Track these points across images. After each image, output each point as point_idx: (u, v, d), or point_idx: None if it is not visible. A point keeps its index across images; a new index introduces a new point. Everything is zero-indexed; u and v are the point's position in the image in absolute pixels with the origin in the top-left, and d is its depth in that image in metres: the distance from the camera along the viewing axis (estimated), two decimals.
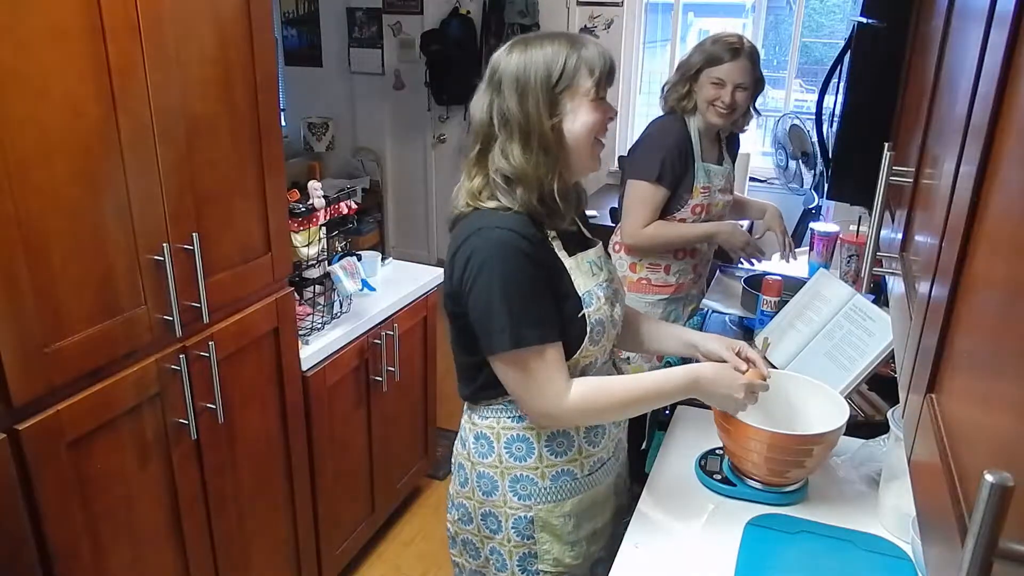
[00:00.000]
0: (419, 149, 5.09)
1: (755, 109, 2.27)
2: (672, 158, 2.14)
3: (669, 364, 1.89)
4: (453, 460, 1.46)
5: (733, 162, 2.38)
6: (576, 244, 1.34)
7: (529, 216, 1.25)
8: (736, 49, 2.09)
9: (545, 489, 1.35)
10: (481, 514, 1.39)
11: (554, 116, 1.23)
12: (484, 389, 1.34)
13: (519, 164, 1.23)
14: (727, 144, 2.35)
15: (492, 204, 1.25)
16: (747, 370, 1.37)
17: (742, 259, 2.31)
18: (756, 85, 2.18)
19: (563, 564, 1.38)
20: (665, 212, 2.21)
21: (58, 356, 1.34)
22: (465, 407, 1.42)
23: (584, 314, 1.28)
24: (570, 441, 1.35)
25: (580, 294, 1.28)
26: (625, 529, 1.38)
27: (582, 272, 1.30)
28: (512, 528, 1.36)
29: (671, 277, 2.29)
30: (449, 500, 1.47)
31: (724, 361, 1.39)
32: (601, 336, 1.33)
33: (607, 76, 1.25)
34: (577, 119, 1.24)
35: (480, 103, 1.27)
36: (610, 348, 1.41)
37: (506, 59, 1.24)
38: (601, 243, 1.43)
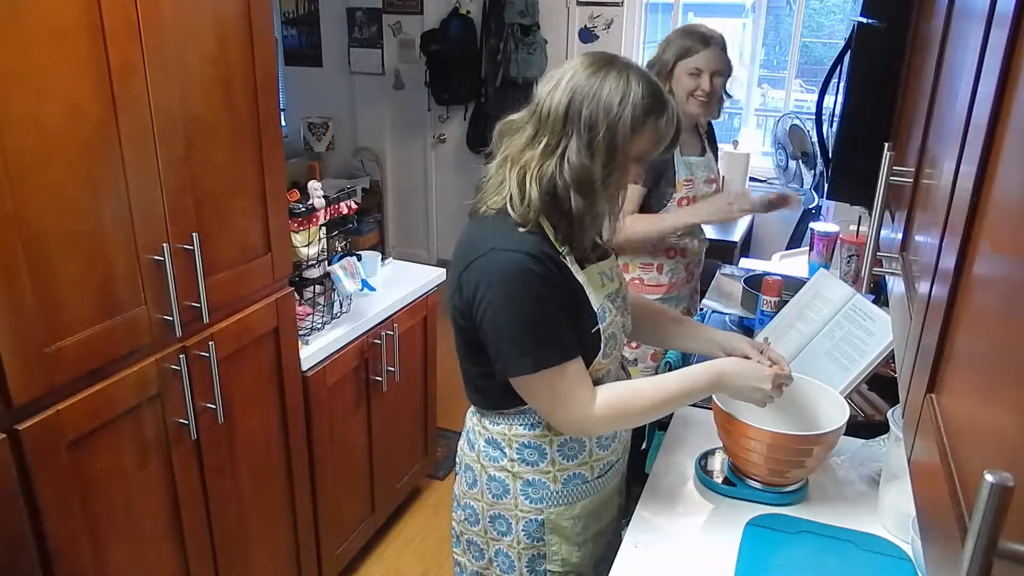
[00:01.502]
0: (419, 149, 5.09)
1: (727, 93, 2.26)
2: None
3: (668, 363, 1.89)
4: (458, 460, 1.45)
5: (715, 153, 2.39)
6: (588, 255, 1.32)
7: (542, 233, 1.22)
8: (707, 37, 2.10)
9: (556, 492, 1.34)
10: (490, 516, 1.39)
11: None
12: (494, 399, 1.33)
13: (596, 170, 1.19)
14: (708, 136, 2.35)
15: (517, 210, 1.21)
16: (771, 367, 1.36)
17: (769, 208, 2.18)
18: (727, 71, 2.19)
19: (570, 564, 1.38)
20: (651, 209, 2.20)
21: (58, 356, 1.34)
22: (473, 409, 1.41)
23: (598, 329, 1.27)
24: (581, 446, 1.34)
25: (595, 308, 1.27)
26: (625, 526, 1.38)
27: (594, 285, 1.29)
28: (522, 531, 1.36)
29: (663, 277, 2.29)
30: (455, 500, 1.46)
31: (747, 358, 1.39)
32: (613, 349, 1.32)
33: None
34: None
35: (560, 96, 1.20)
36: (620, 357, 1.41)
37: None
38: (614, 254, 1.41)
